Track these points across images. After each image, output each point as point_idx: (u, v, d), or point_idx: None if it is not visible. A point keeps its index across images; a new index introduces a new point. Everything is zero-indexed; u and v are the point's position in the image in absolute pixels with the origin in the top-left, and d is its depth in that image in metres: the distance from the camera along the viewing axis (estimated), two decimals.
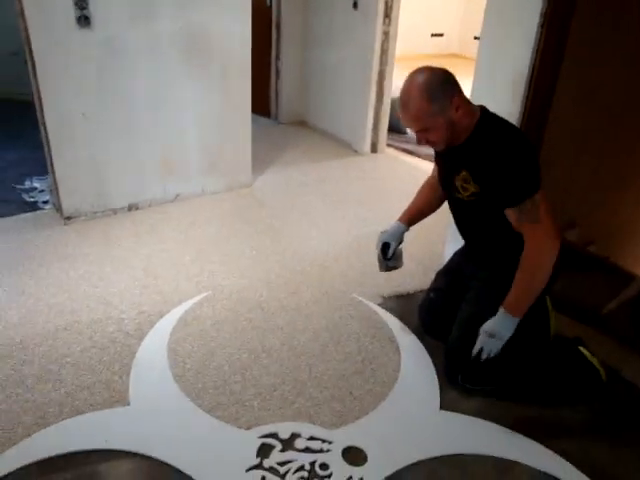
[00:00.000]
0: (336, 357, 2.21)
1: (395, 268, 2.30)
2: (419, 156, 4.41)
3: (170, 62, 3.05)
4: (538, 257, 1.76)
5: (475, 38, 8.60)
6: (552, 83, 2.55)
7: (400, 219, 2.25)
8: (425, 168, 4.01)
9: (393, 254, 2.24)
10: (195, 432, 1.85)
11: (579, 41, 2.54)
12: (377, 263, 2.29)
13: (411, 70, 1.80)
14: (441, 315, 2.24)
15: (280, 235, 3.10)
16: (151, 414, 1.91)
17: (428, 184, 2.26)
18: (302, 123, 5.00)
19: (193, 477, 1.68)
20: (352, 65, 4.28)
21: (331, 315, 2.46)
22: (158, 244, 2.92)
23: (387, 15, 3.99)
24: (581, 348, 2.08)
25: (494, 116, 1.86)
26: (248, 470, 1.73)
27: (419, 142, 1.84)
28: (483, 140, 1.79)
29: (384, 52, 4.10)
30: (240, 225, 3.18)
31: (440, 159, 2.06)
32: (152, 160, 3.22)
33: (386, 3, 3.94)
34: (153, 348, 2.21)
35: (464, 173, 1.87)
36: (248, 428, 1.87)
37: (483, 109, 1.85)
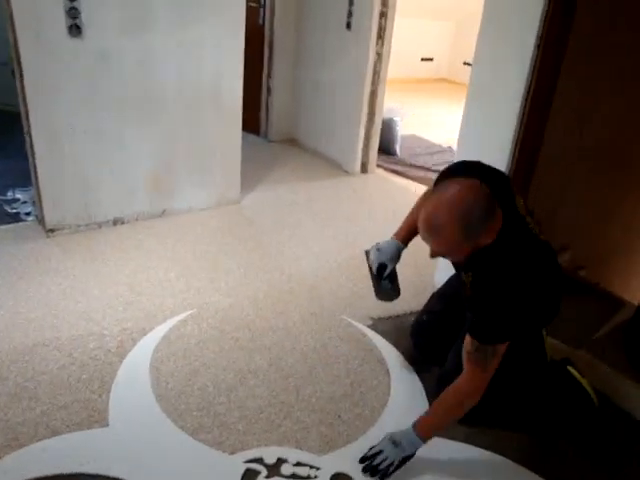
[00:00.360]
0: (324, 379, 2.15)
1: (394, 295, 2.05)
2: (409, 177, 4.40)
3: (162, 76, 3.01)
4: (467, 398, 1.67)
5: (464, 64, 8.72)
6: (547, 107, 2.57)
7: (396, 235, 2.03)
8: (414, 189, 4.00)
9: (389, 277, 2.02)
10: (177, 456, 1.77)
11: (575, 60, 2.56)
12: (372, 286, 2.06)
13: (443, 186, 1.54)
14: (433, 339, 2.19)
15: (269, 253, 3.05)
16: (131, 436, 1.83)
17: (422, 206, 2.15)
18: (292, 141, 4.98)
19: None
20: (344, 85, 4.28)
21: (320, 336, 2.40)
22: (144, 259, 2.85)
23: (380, 36, 4.00)
24: (570, 368, 2.04)
25: (515, 233, 1.60)
26: None
27: (432, 257, 1.63)
28: (495, 262, 1.57)
29: (376, 72, 4.11)
30: (228, 242, 3.13)
31: None
32: (140, 175, 3.16)
33: (379, 24, 3.96)
34: (135, 366, 2.13)
35: (469, 275, 1.69)
36: (232, 452, 1.80)
37: (505, 222, 1.56)
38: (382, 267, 2.00)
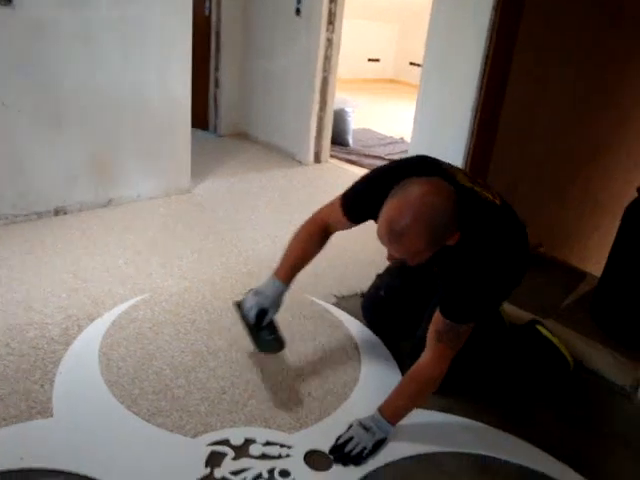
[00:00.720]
0: (290, 357, 2.02)
1: (277, 346, 1.77)
2: (363, 166, 4.33)
3: (105, 52, 2.83)
4: (435, 377, 1.59)
5: (410, 64, 8.81)
6: (502, 87, 2.56)
7: (277, 275, 1.75)
8: None
9: (268, 326, 1.75)
10: (132, 443, 1.60)
11: (525, 48, 2.57)
12: (250, 336, 1.79)
13: (405, 188, 1.38)
14: (393, 316, 2.09)
15: (223, 238, 2.89)
16: (79, 425, 1.64)
17: (315, 231, 1.77)
18: (243, 135, 4.84)
19: None
20: (295, 73, 4.18)
21: (282, 315, 2.24)
22: (89, 248, 2.65)
23: (330, 22, 3.93)
24: (539, 327, 2.01)
25: (469, 216, 1.47)
26: None
27: (389, 259, 1.49)
28: (457, 251, 1.49)
29: (327, 59, 4.03)
30: (180, 229, 2.96)
31: None
32: (82, 160, 2.95)
33: (330, 10, 3.89)
34: (82, 353, 1.94)
35: (435, 269, 1.66)
36: (195, 436, 1.64)
37: (461, 205, 1.42)
38: (262, 313, 1.72)
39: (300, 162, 4.31)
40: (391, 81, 9.21)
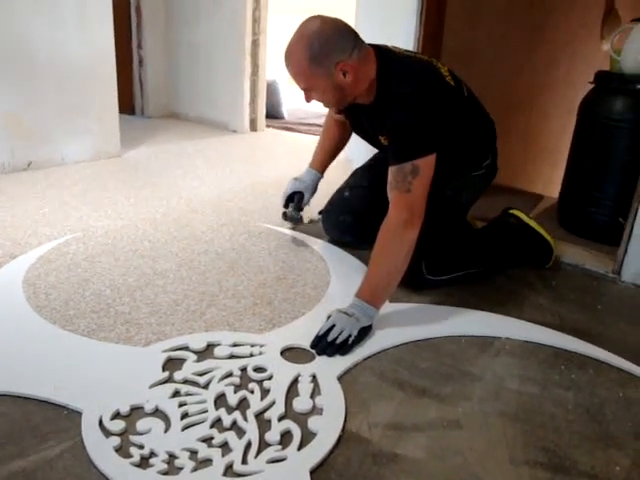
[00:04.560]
0: (250, 271, 1.80)
1: (300, 222, 2.10)
2: (301, 132, 4.18)
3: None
4: (402, 229, 1.44)
5: None
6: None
7: (312, 165, 2.03)
8: (306, 140, 3.77)
9: (299, 206, 2.04)
10: (71, 358, 1.33)
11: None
12: (283, 210, 2.10)
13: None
14: (363, 216, 1.88)
15: (161, 188, 2.64)
16: (2, 347, 1.35)
17: (332, 124, 2.01)
18: (173, 116, 4.58)
19: (76, 408, 1.16)
20: (223, 40, 4.00)
21: (235, 239, 2.05)
22: (7, 202, 2.33)
23: None
24: (514, 211, 1.94)
25: (394, 65, 1.55)
26: (153, 386, 1.23)
27: (306, 100, 1.58)
28: (386, 102, 1.52)
29: (256, 21, 3.87)
30: (113, 183, 2.67)
31: (350, 115, 1.77)
32: None
33: None
34: (1, 284, 1.64)
35: (383, 137, 1.61)
36: (146, 345, 1.38)
37: (381, 58, 1.54)
38: (300, 195, 2.02)
39: (235, 131, 4.10)
40: None
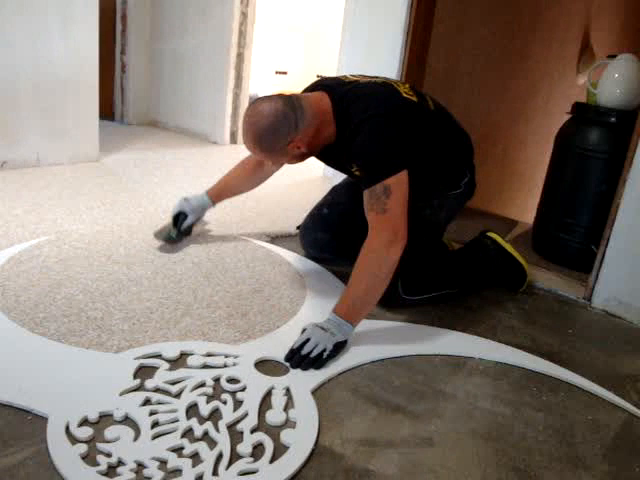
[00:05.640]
0: (225, 282, 1.78)
1: (174, 238, 1.99)
2: None
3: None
4: (378, 248, 1.44)
5: (318, 76, 8.88)
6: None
7: (209, 192, 2.02)
8: None
9: (186, 228, 1.99)
10: (39, 363, 1.29)
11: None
12: (161, 228, 2.03)
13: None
14: (341, 234, 1.88)
15: (139, 195, 2.61)
16: None
17: (250, 162, 2.01)
18: (153, 124, 4.56)
19: (41, 413, 1.13)
20: (208, 51, 4.01)
21: (212, 249, 2.03)
22: None
23: None
24: (491, 234, 1.97)
25: (348, 96, 1.56)
26: (123, 394, 1.20)
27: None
28: (347, 134, 1.54)
29: (242, 34, 3.90)
30: (89, 187, 2.64)
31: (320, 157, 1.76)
32: None
33: None
34: None
35: (355, 167, 1.59)
36: (118, 351, 1.35)
37: (334, 96, 1.57)
38: (183, 215, 1.99)
39: (215, 142, 4.09)
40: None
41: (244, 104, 4.09)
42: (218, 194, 2.03)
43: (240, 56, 3.95)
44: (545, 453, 1.17)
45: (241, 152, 3.87)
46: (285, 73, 9.12)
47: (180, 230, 1.98)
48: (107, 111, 4.57)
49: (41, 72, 2.77)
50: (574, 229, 2.23)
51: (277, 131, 1.49)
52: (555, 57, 3.54)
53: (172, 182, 2.87)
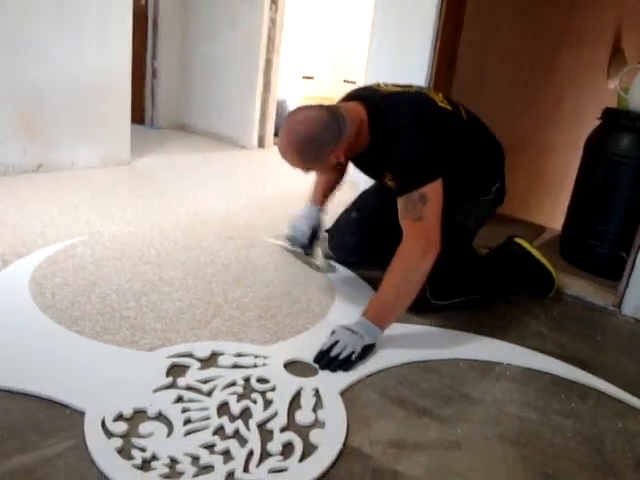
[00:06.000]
0: (255, 284, 1.81)
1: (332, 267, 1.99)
2: None
3: (38, 7, 2.60)
4: (412, 255, 1.45)
5: (345, 82, 8.91)
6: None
7: (313, 202, 2.02)
8: None
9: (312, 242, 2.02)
10: (75, 359, 1.33)
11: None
12: (297, 251, 2.05)
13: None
14: (370, 238, 1.89)
15: (169, 197, 2.66)
16: (6, 344, 1.36)
17: None
18: (182, 127, 4.62)
19: (78, 407, 1.16)
20: (237, 56, 4.06)
21: (241, 252, 2.06)
22: (16, 202, 2.34)
23: (274, 1, 3.86)
24: (518, 240, 1.96)
25: (383, 106, 1.58)
26: (157, 391, 1.24)
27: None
28: (383, 142, 1.56)
29: (271, 40, 3.94)
30: (121, 191, 2.70)
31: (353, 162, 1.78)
32: (8, 117, 2.66)
33: None
34: (8, 282, 1.66)
35: (388, 175, 1.64)
36: (151, 350, 1.39)
37: (369, 106, 1.58)
38: (313, 233, 2.01)
39: (244, 147, 4.14)
40: (327, 99, 9.27)
41: (272, 109, 4.14)
42: (322, 199, 2.03)
43: (269, 61, 4.00)
44: (574, 460, 1.16)
45: (269, 156, 3.95)
46: (312, 78, 9.17)
47: (312, 244, 2.03)
48: (137, 115, 4.65)
49: (76, 79, 2.85)
50: (604, 235, 2.21)
51: (321, 140, 1.49)
52: (586, 63, 3.50)
53: (201, 185, 2.92)
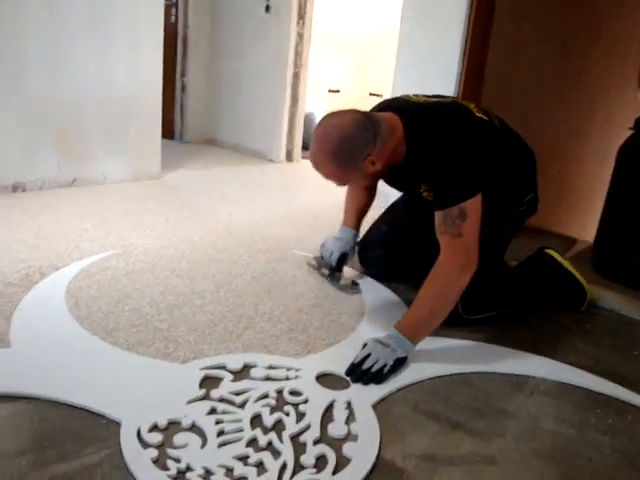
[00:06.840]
0: (285, 297, 1.82)
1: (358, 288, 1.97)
2: None
3: (71, 25, 2.68)
4: (449, 272, 1.44)
5: (370, 94, 8.93)
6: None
7: (347, 224, 1.97)
8: None
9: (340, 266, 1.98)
10: (110, 370, 1.36)
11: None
12: (323, 271, 2.03)
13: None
14: (400, 252, 1.90)
15: (200, 211, 2.70)
16: (44, 354, 1.39)
17: (356, 189, 1.97)
18: (211, 142, 4.69)
19: (114, 418, 1.18)
20: (265, 71, 4.12)
21: (270, 265, 2.08)
22: (51, 216, 2.40)
23: (301, 17, 3.91)
24: (549, 251, 1.93)
25: (419, 116, 1.55)
26: (190, 402, 1.25)
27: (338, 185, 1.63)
28: (420, 154, 1.52)
29: (298, 54, 3.98)
30: (152, 204, 2.74)
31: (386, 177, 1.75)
32: (43, 132, 2.74)
33: (300, 4, 3.87)
34: (46, 293, 1.70)
35: (424, 187, 1.58)
36: (184, 362, 1.41)
37: (404, 116, 1.54)
38: (343, 257, 1.94)
39: (272, 160, 4.18)
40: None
41: (300, 123, 4.17)
42: (355, 221, 1.96)
43: (296, 76, 4.04)
44: (613, 478, 1.14)
45: (297, 170, 3.98)
46: (338, 91, 9.23)
47: (341, 269, 2.00)
48: (167, 130, 4.72)
49: (107, 95, 2.92)
50: (637, 247, 2.17)
51: (356, 141, 1.43)
52: (616, 73, 3.45)
53: (230, 198, 2.96)
